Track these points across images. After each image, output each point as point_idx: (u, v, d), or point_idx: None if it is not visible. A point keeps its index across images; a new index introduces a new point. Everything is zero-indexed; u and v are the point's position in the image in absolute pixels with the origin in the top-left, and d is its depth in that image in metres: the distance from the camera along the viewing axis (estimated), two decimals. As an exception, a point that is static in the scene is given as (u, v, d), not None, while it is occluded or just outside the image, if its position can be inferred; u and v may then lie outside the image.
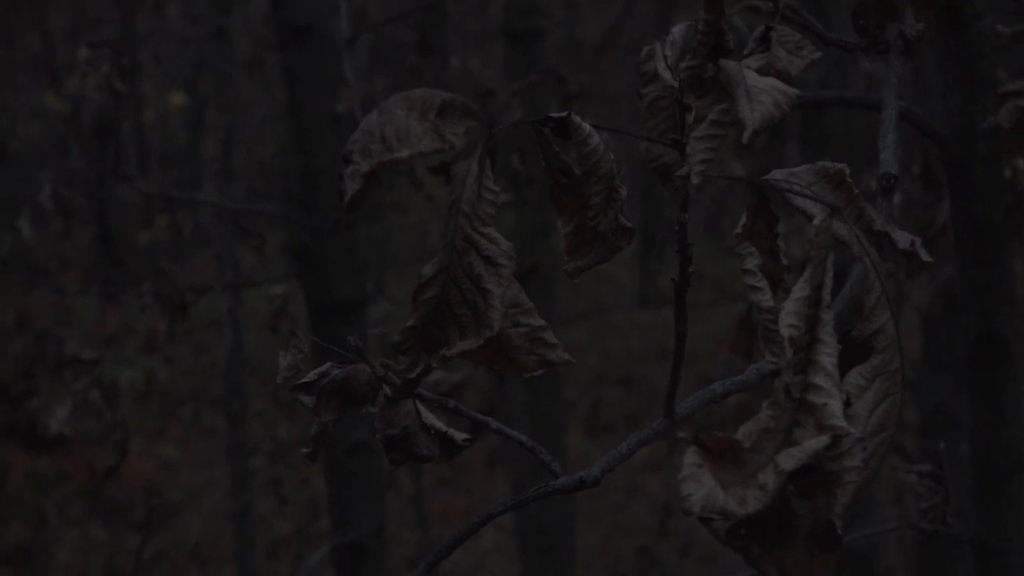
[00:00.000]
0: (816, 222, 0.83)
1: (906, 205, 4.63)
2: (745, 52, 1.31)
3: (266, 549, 12.88)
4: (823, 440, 0.77)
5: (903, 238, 0.85)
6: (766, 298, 0.87)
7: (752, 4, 1.55)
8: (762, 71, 1.14)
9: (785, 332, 0.81)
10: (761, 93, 0.98)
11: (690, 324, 1.12)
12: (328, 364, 1.12)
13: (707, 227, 18.11)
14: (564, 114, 0.97)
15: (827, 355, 0.80)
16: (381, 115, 0.91)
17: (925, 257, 0.86)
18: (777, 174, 0.87)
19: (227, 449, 10.71)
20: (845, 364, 0.81)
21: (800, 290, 0.82)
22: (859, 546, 6.68)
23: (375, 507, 4.31)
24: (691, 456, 0.78)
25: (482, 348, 0.96)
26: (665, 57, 1.04)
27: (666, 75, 1.02)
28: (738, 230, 0.90)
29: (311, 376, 1.12)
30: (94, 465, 13.53)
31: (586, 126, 0.97)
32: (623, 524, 14.28)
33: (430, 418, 1.16)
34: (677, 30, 1.11)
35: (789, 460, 0.77)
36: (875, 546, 6.82)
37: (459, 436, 1.18)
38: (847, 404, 0.79)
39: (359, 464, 4.27)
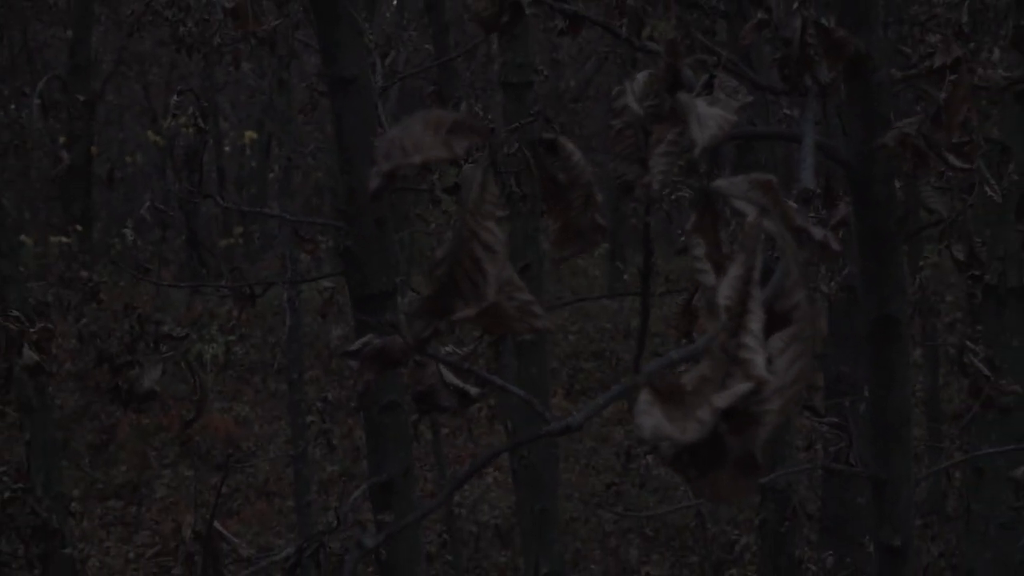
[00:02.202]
0: (749, 219, 0.84)
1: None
2: (693, 95, 1.30)
3: (318, 486, 12.88)
4: (749, 385, 0.78)
5: (817, 232, 0.85)
6: (710, 279, 0.88)
7: (699, 58, 1.55)
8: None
9: (722, 302, 0.82)
10: (708, 119, 0.99)
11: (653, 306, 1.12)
12: (369, 335, 1.11)
13: (661, 234, 18.14)
14: (553, 136, 0.98)
15: (755, 322, 0.81)
16: (402, 129, 0.92)
17: (835, 246, 0.87)
18: (720, 182, 0.87)
19: (288, 407, 10.70)
20: (769, 330, 0.82)
21: (735, 270, 0.83)
22: (779, 483, 6.68)
23: (402, 453, 4.29)
24: (644, 395, 0.80)
25: (483, 315, 0.96)
26: (633, 92, 1.04)
27: (634, 106, 1.02)
28: (689, 226, 0.91)
29: (357, 344, 1.11)
30: (185, 420, 13.55)
31: (570, 145, 0.98)
32: (595, 465, 14.30)
33: (450, 377, 1.16)
34: (641, 75, 1.11)
35: (722, 400, 0.78)
36: (791, 483, 6.83)
37: (472, 391, 1.17)
38: (769, 361, 0.80)
39: (390, 420, 4.25)
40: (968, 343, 2.63)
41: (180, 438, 14.55)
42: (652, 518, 12.62)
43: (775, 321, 0.80)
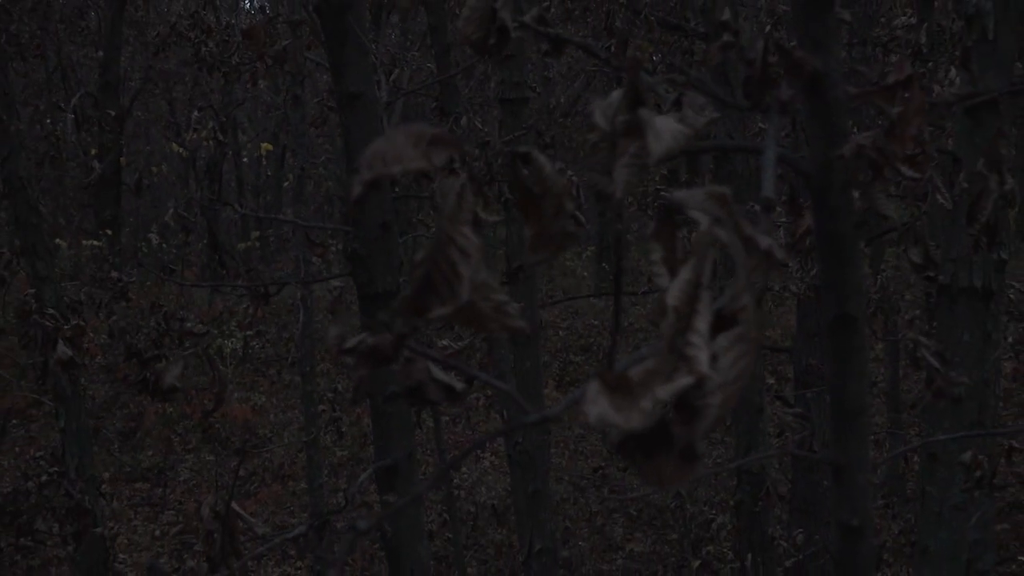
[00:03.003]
0: (702, 227, 0.84)
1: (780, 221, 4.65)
2: (664, 110, 1.30)
3: (329, 469, 12.88)
4: (690, 380, 0.79)
5: (763, 241, 0.85)
6: (665, 281, 0.88)
7: (671, 77, 1.55)
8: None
9: (671, 303, 0.82)
10: (664, 132, 0.99)
11: (629, 306, 1.13)
12: (364, 334, 1.11)
13: (644, 238, 18.15)
14: (527, 149, 0.98)
15: (702, 322, 0.81)
16: (385, 141, 0.92)
17: (779, 256, 0.86)
18: (678, 194, 0.87)
19: (301, 397, 10.69)
20: (716, 330, 0.82)
21: (685, 273, 0.83)
22: (753, 466, 6.69)
23: (406, 439, 4.29)
24: (593, 386, 0.80)
25: (458, 314, 0.96)
26: (604, 111, 1.04)
27: (601, 122, 1.02)
28: (648, 233, 0.91)
29: (352, 342, 1.11)
30: (205, 410, 13.54)
31: (542, 158, 0.98)
32: (583, 450, 14.31)
33: (438, 372, 1.16)
34: (615, 94, 1.11)
35: (664, 392, 0.78)
36: (764, 466, 6.84)
37: (458, 386, 1.17)
38: (714, 359, 0.81)
39: (394, 409, 4.24)
40: (921, 338, 2.63)
41: (202, 425, 14.56)
42: (635, 499, 12.63)
43: (723, 322, 0.80)
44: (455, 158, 0.89)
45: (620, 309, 1.06)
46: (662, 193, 7.21)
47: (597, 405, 0.77)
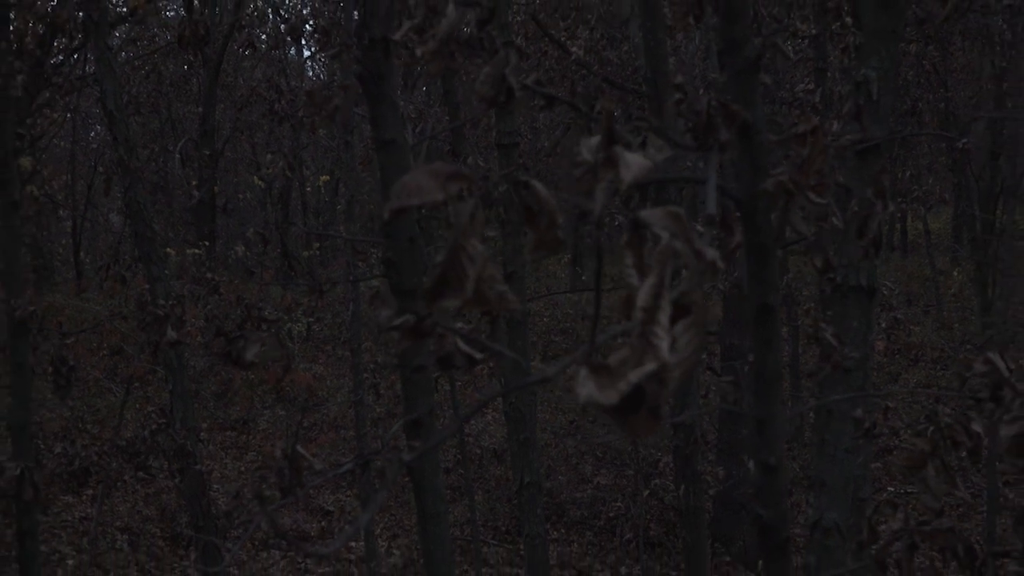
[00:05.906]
0: (663, 241, 0.82)
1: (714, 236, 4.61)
2: (633, 149, 1.28)
3: (371, 422, 12.86)
4: (654, 366, 0.76)
5: (710, 253, 0.83)
6: (635, 281, 0.85)
7: (637, 125, 1.52)
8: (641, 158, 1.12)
9: (640, 304, 0.80)
10: (632, 164, 0.97)
11: (602, 298, 1.10)
12: (406, 315, 1.09)
13: (609, 248, 18.11)
14: (527, 179, 0.96)
15: (663, 317, 0.79)
16: (411, 176, 0.90)
17: (719, 265, 0.84)
18: (644, 213, 0.85)
19: (351, 367, 10.65)
20: (674, 319, 0.80)
21: (651, 279, 0.81)
22: (687, 420, 6.66)
23: (427, 399, 4.25)
24: (583, 371, 0.78)
25: (470, 301, 0.95)
26: (588, 148, 1.02)
27: (588, 156, 1.00)
28: (622, 243, 0.88)
29: (398, 321, 1.08)
30: (278, 376, 13.50)
31: (539, 185, 0.96)
32: (562, 407, 14.28)
33: (463, 345, 1.13)
34: (595, 136, 1.09)
35: (635, 376, 0.76)
36: (695, 420, 6.81)
37: (476, 355, 1.14)
38: (674, 340, 0.79)
39: (419, 377, 4.20)
40: (822, 324, 2.61)
41: (276, 388, 14.53)
42: (601, 444, 12.62)
43: (680, 311, 0.78)
44: (466, 188, 0.86)
45: (600, 303, 1.04)
46: (632, 211, 7.17)
47: (585, 388, 0.75)
